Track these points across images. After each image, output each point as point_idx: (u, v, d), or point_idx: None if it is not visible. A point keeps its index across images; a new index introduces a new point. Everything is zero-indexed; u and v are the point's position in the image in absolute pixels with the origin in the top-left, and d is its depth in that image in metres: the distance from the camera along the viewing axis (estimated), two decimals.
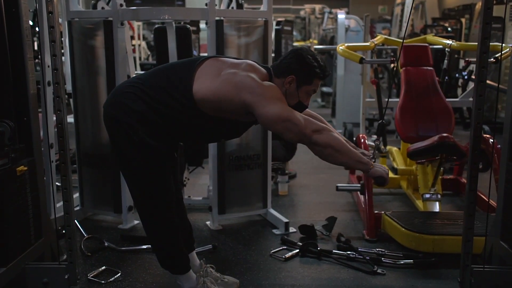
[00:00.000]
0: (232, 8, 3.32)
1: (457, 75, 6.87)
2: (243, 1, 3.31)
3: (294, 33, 17.05)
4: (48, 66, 3.72)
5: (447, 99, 3.72)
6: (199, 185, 4.19)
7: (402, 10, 13.04)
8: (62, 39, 4.28)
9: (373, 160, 2.31)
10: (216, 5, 3.09)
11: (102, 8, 3.31)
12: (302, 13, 15.50)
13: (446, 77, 4.53)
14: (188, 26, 3.42)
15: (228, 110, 2.14)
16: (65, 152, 2.30)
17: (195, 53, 3.98)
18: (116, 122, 2.16)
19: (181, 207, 2.44)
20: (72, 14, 3.24)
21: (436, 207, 3.27)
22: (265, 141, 3.35)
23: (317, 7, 14.23)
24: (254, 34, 3.21)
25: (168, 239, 2.26)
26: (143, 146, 2.13)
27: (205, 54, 3.21)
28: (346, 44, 3.88)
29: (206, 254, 2.89)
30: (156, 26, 3.47)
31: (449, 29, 9.92)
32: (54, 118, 4.18)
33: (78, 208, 3.46)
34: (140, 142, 2.12)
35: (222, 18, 3.10)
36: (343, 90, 6.88)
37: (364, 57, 3.56)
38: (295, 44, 13.16)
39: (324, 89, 8.89)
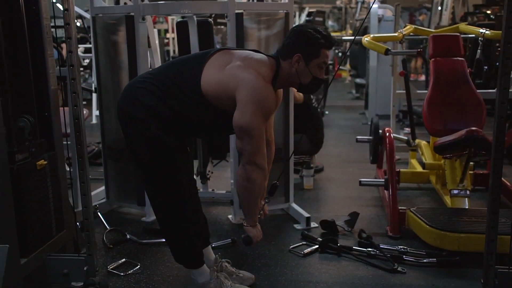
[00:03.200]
0: (253, 0, 3.29)
1: (497, 64, 6.60)
2: None
3: (331, 23, 16.87)
4: None
5: (484, 90, 3.57)
6: (225, 178, 4.20)
7: None
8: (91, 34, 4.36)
9: (259, 216, 2.33)
10: None
11: (125, 3, 3.34)
12: (338, 2, 15.27)
13: (486, 67, 4.33)
14: (210, 19, 3.42)
15: (227, 103, 2.13)
16: (82, 146, 2.33)
17: (218, 46, 3.97)
18: (129, 117, 2.18)
19: (196, 202, 2.44)
20: (96, 10, 3.29)
21: (465, 204, 3.15)
22: (287, 135, 3.31)
23: None
24: (274, 27, 3.17)
25: (181, 234, 2.27)
26: (155, 141, 2.14)
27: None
28: (371, 35, 3.77)
29: (225, 248, 2.90)
30: (178, 20, 3.48)
31: (491, 16, 9.52)
32: (85, 111, 4.28)
33: (103, 200, 3.53)
34: (152, 136, 2.13)
35: (242, 11, 3.07)
36: (376, 82, 6.74)
37: (390, 48, 3.45)
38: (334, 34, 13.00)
39: (358, 80, 8.74)
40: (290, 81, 2.23)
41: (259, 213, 2.32)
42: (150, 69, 2.66)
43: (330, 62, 11.85)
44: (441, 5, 12.55)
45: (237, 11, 3.05)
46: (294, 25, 2.42)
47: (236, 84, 2.08)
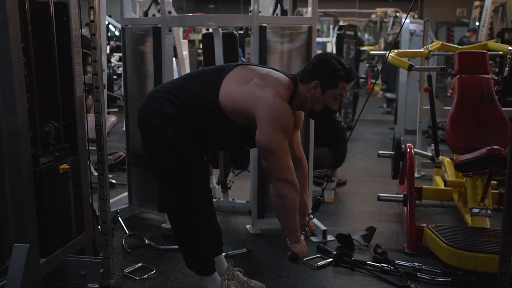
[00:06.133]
0: (277, 14, 3.34)
1: None
2: (287, 8, 3.31)
3: (367, 36, 16.79)
4: (104, 70, 3.95)
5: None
6: (246, 188, 4.23)
7: (481, 13, 12.39)
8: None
9: (304, 233, 2.33)
10: (260, 11, 3.12)
11: (153, 15, 3.45)
12: (373, 16, 15.18)
13: None
14: (235, 32, 3.49)
15: (245, 119, 2.18)
16: (102, 152, 2.43)
17: (242, 59, 4.03)
18: (147, 125, 2.25)
19: (210, 210, 2.49)
20: (125, 21, 3.41)
21: (486, 223, 3.09)
22: (307, 147, 3.32)
23: (389, 10, 13.86)
24: (297, 41, 3.21)
25: (194, 241, 2.32)
26: (172, 149, 2.20)
27: None
28: (396, 51, 3.77)
29: (240, 257, 2.93)
30: (204, 32, 3.57)
31: None
32: (113, 118, 4.40)
33: (126, 205, 3.62)
34: (169, 144, 2.20)
35: (265, 24, 3.12)
36: (406, 97, 6.67)
37: (413, 64, 3.44)
38: (363, 48, 12.91)
39: (388, 95, 8.67)
40: (303, 105, 2.25)
41: (303, 229, 2.32)
42: (171, 79, 2.74)
43: (363, 75, 11.87)
44: (479, 20, 12.33)
45: (260, 25, 3.11)
46: (319, 53, 2.44)
47: (254, 102, 2.13)
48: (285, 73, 2.30)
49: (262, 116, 2.11)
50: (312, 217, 2.40)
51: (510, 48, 3.77)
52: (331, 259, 2.86)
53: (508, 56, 3.82)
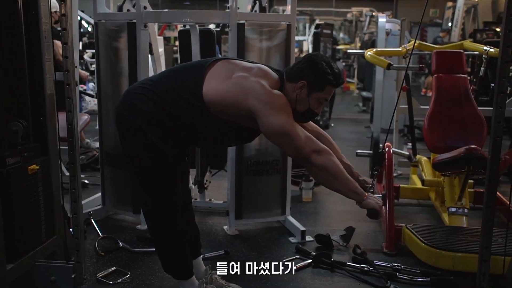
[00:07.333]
0: (255, 11, 3.28)
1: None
2: (266, 5, 3.25)
3: (342, 35, 16.88)
4: (76, 67, 3.82)
5: (489, 108, 3.52)
6: (223, 188, 4.17)
7: (453, 14, 12.58)
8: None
9: (372, 191, 2.24)
10: (238, 8, 3.06)
11: (128, 10, 3.35)
12: (349, 15, 15.26)
13: (492, 84, 4.26)
14: (212, 29, 3.42)
15: (234, 113, 2.11)
16: (74, 152, 2.33)
17: (219, 56, 3.96)
18: (126, 123, 2.16)
19: (189, 212, 2.41)
20: (99, 16, 3.30)
21: (463, 222, 3.11)
22: None
23: (365, 10, 13.95)
24: (276, 38, 3.16)
25: (172, 244, 2.25)
26: (151, 148, 2.11)
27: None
28: (374, 49, 3.76)
29: (217, 259, 2.86)
30: (181, 28, 3.48)
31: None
32: (86, 116, 4.27)
33: (100, 206, 3.52)
34: (149, 144, 2.11)
35: (244, 21, 3.06)
36: (382, 96, 6.69)
37: (391, 62, 3.44)
38: (339, 47, 12.96)
39: (364, 94, 8.70)
40: None
41: (371, 187, 2.24)
42: (150, 76, 2.64)
43: None
44: (452, 21, 12.52)
45: (239, 22, 3.05)
46: (310, 53, 2.37)
47: (245, 95, 2.05)
48: (271, 67, 2.23)
49: (258, 106, 2.03)
50: (377, 172, 2.40)
51: (485, 48, 3.80)
52: (310, 260, 2.82)
53: (483, 56, 3.85)
